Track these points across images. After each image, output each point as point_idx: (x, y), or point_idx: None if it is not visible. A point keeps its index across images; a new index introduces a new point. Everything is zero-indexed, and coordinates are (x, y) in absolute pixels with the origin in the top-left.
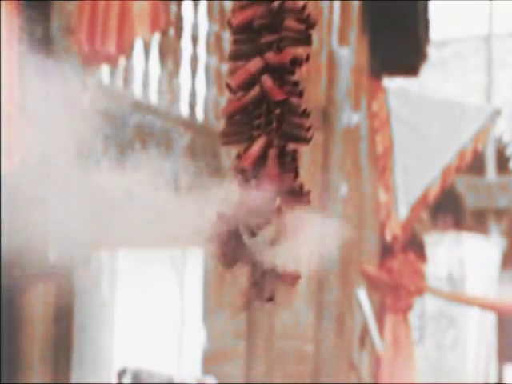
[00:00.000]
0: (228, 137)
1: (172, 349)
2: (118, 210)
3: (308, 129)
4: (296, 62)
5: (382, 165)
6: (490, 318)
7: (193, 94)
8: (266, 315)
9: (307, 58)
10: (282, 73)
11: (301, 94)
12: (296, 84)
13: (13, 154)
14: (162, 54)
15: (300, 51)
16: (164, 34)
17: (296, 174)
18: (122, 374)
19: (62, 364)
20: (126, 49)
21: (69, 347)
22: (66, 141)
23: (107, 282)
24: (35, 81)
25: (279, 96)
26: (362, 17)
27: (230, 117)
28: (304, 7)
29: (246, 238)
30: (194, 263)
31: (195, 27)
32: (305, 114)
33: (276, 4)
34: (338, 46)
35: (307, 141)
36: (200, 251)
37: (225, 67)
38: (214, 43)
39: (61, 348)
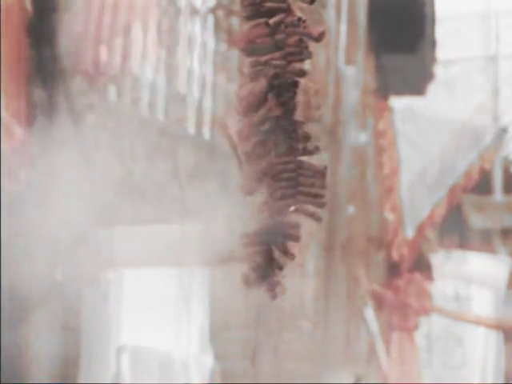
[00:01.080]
0: (250, 159)
1: (179, 370)
2: (126, 229)
3: (309, 139)
4: (299, 77)
5: (389, 184)
6: (497, 338)
7: (200, 113)
8: (273, 337)
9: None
10: (284, 90)
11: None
12: (293, 98)
13: (18, 173)
14: (171, 72)
15: (301, 66)
16: (170, 50)
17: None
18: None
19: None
20: (131, 67)
21: (76, 366)
22: (73, 158)
23: (114, 301)
24: (42, 99)
25: (278, 113)
26: (368, 36)
27: (245, 140)
28: (300, 19)
29: (278, 256)
30: (201, 282)
31: (203, 46)
32: (303, 126)
33: (275, 19)
34: (345, 65)
35: (312, 152)
36: (207, 270)
37: (232, 86)
38: (222, 62)
39: (68, 367)
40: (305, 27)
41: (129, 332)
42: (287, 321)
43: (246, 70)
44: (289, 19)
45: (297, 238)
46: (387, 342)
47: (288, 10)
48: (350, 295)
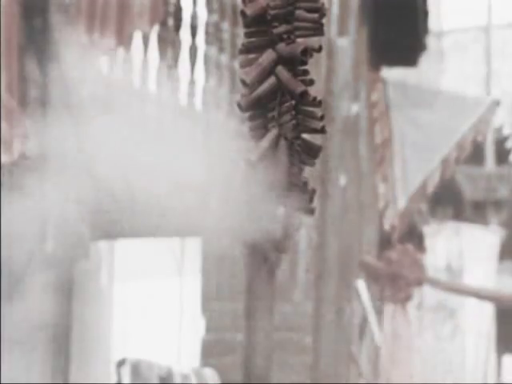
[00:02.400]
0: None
1: (171, 339)
2: (118, 200)
3: (321, 118)
4: (307, 52)
5: (381, 155)
6: (489, 309)
7: (192, 84)
8: (266, 306)
9: (320, 48)
10: (294, 64)
11: (311, 83)
12: (306, 72)
13: (13, 146)
14: (161, 45)
15: (311, 41)
16: (163, 24)
17: (301, 170)
18: (121, 364)
19: (60, 354)
20: (125, 40)
21: (67, 337)
22: (66, 131)
23: (106, 271)
24: (35, 72)
25: (299, 87)
26: (360, 7)
27: (246, 111)
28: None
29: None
30: (193, 253)
31: (194, 17)
32: (316, 103)
33: None
34: (337, 36)
35: (321, 131)
36: (199, 241)
37: (224, 58)
38: (213, 33)
39: (59, 339)
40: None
41: (121, 305)
42: (279, 292)
43: (253, 40)
44: None
45: (311, 211)
46: (379, 314)
47: None
48: (342, 267)
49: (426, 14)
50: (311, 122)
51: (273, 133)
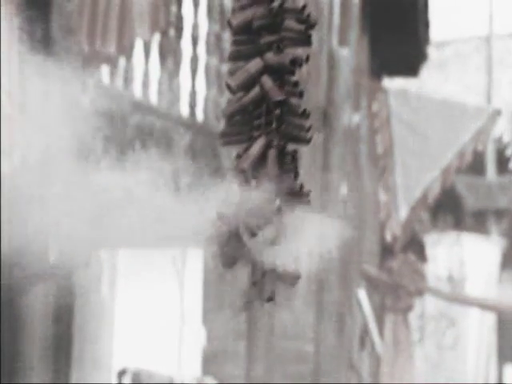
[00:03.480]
0: (228, 137)
1: (172, 349)
2: (118, 209)
3: (308, 129)
4: (296, 63)
5: (382, 165)
6: (490, 318)
7: (193, 94)
8: (266, 315)
9: (307, 59)
10: (282, 73)
11: (301, 95)
12: (296, 84)
13: (13, 153)
14: (162, 55)
15: (300, 51)
16: (164, 34)
17: (296, 175)
18: (122, 374)
19: (62, 363)
20: (126, 49)
21: (69, 346)
22: (66, 141)
23: (107, 281)
24: (35, 81)
25: (278, 96)
26: (362, 17)
27: (230, 117)
28: (304, 7)
29: (246, 238)
30: (194, 263)
31: (195, 27)
32: (304, 114)
33: (276, 4)
34: (338, 46)
35: (307, 141)
36: (200, 251)
37: (225, 67)
38: (214, 43)
39: (61, 347)
40: (309, 15)
41: (122, 314)
42: (280, 301)
43: (241, 49)
44: (289, 3)
45: (307, 202)
46: (380, 323)
47: None
48: (343, 276)
49: (427, 23)
50: (297, 133)
51: (261, 141)
